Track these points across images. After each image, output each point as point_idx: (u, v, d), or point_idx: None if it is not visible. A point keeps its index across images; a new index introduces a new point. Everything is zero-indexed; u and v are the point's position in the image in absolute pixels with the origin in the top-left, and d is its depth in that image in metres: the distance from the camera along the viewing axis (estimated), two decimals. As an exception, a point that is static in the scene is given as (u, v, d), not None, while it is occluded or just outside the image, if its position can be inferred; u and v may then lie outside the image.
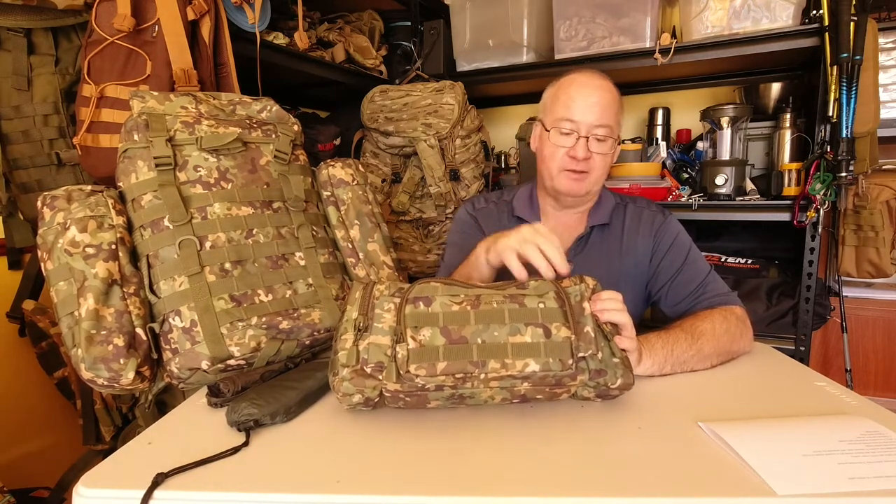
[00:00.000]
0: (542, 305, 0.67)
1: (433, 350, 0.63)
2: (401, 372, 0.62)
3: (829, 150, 1.45)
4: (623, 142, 2.01)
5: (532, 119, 2.05)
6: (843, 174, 1.41)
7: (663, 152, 1.97)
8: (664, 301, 1.08)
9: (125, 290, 0.77)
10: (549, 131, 1.06)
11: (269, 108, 1.03)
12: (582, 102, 1.03)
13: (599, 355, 0.68)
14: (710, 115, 1.73)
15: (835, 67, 1.40)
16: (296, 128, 1.02)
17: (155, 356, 0.79)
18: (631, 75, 2.01)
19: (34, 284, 1.38)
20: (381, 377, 0.64)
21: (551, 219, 1.15)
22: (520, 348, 0.64)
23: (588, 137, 1.03)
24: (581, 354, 0.66)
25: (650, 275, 1.10)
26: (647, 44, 1.69)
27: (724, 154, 1.72)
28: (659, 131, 2.07)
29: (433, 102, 1.65)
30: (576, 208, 1.14)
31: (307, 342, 0.88)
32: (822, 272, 1.90)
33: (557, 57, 1.84)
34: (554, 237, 0.81)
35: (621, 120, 1.09)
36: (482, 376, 0.64)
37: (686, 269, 1.07)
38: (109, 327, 0.74)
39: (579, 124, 1.03)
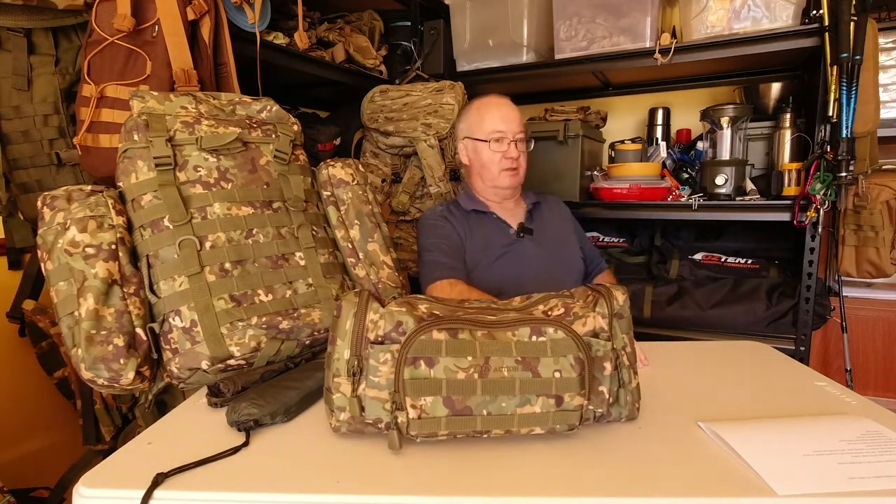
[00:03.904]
0: (557, 375, 0.61)
1: (434, 421, 0.60)
2: (402, 434, 0.61)
3: (829, 150, 1.44)
4: (623, 142, 2.01)
5: (532, 118, 2.06)
6: (843, 174, 1.41)
7: (663, 152, 1.97)
8: (586, 261, 1.46)
9: (125, 290, 0.77)
10: (486, 142, 1.34)
11: (269, 108, 1.03)
12: (505, 116, 1.34)
13: (609, 400, 0.65)
14: (710, 115, 1.72)
15: (835, 67, 1.40)
16: (296, 128, 1.02)
17: (155, 356, 0.79)
18: (631, 75, 2.02)
19: (34, 284, 1.38)
20: (381, 426, 0.62)
21: (498, 208, 1.40)
22: (528, 418, 0.61)
23: (515, 141, 1.33)
24: (591, 408, 0.64)
25: (576, 233, 1.49)
26: (647, 44, 1.69)
27: (724, 154, 1.72)
28: (659, 131, 2.07)
29: (433, 102, 1.65)
30: (511, 198, 1.43)
31: (307, 342, 0.88)
32: (822, 272, 1.90)
33: (557, 57, 1.84)
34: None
35: None
36: (484, 437, 0.63)
37: (586, 241, 1.52)
38: (109, 327, 0.74)
39: (507, 132, 1.33)
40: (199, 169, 0.87)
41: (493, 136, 1.33)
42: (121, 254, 0.79)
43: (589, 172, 1.97)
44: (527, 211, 1.43)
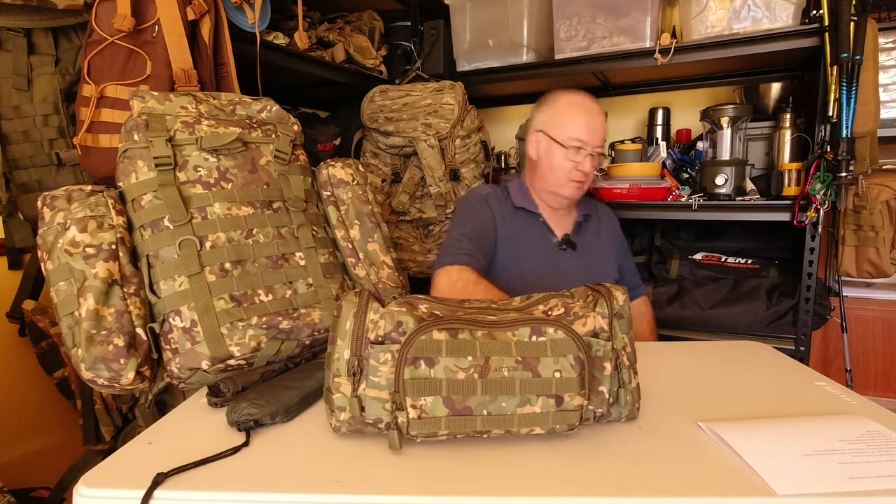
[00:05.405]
0: (558, 375, 0.61)
1: (434, 421, 0.60)
2: (402, 434, 0.61)
3: (829, 150, 1.44)
4: (623, 142, 2.01)
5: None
6: (843, 174, 1.41)
7: (663, 152, 1.97)
8: (621, 282, 1.41)
9: (125, 290, 0.77)
10: (564, 147, 1.26)
11: (269, 108, 1.03)
12: (592, 126, 1.26)
13: (610, 401, 0.64)
14: (710, 115, 1.72)
15: (835, 67, 1.40)
16: (296, 128, 1.02)
17: (155, 356, 0.79)
18: (631, 75, 2.02)
19: (34, 284, 1.38)
20: (381, 426, 0.62)
21: (549, 213, 1.36)
22: (528, 418, 0.61)
23: (592, 154, 1.27)
24: (591, 408, 0.63)
25: (617, 252, 1.45)
26: (647, 44, 1.69)
27: (724, 154, 1.72)
28: (659, 131, 2.07)
29: (433, 102, 1.65)
30: (567, 207, 1.37)
31: (307, 342, 0.88)
32: (822, 272, 1.90)
33: (557, 57, 1.84)
34: None
35: None
36: (484, 437, 0.63)
37: (628, 260, 1.48)
38: (109, 327, 0.74)
39: (588, 144, 1.26)
40: (199, 169, 0.87)
41: (572, 144, 1.25)
42: (121, 254, 0.78)
43: (589, 172, 1.96)
44: (576, 222, 1.37)
